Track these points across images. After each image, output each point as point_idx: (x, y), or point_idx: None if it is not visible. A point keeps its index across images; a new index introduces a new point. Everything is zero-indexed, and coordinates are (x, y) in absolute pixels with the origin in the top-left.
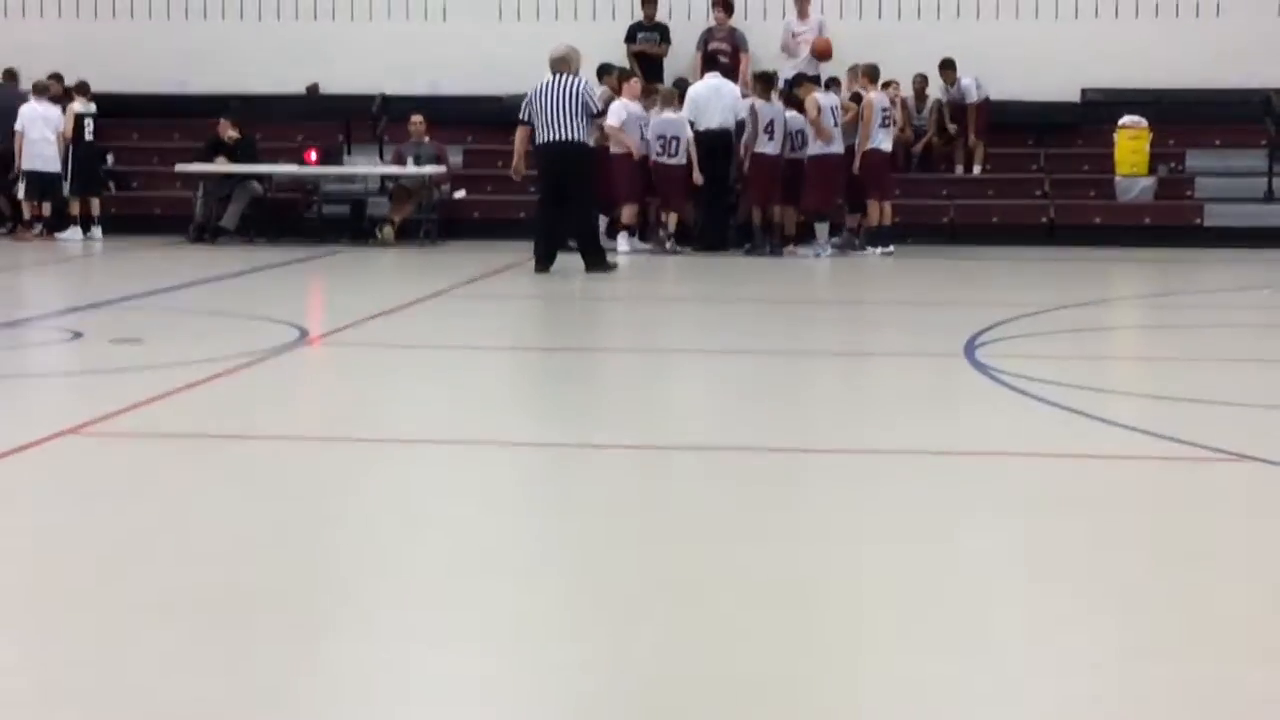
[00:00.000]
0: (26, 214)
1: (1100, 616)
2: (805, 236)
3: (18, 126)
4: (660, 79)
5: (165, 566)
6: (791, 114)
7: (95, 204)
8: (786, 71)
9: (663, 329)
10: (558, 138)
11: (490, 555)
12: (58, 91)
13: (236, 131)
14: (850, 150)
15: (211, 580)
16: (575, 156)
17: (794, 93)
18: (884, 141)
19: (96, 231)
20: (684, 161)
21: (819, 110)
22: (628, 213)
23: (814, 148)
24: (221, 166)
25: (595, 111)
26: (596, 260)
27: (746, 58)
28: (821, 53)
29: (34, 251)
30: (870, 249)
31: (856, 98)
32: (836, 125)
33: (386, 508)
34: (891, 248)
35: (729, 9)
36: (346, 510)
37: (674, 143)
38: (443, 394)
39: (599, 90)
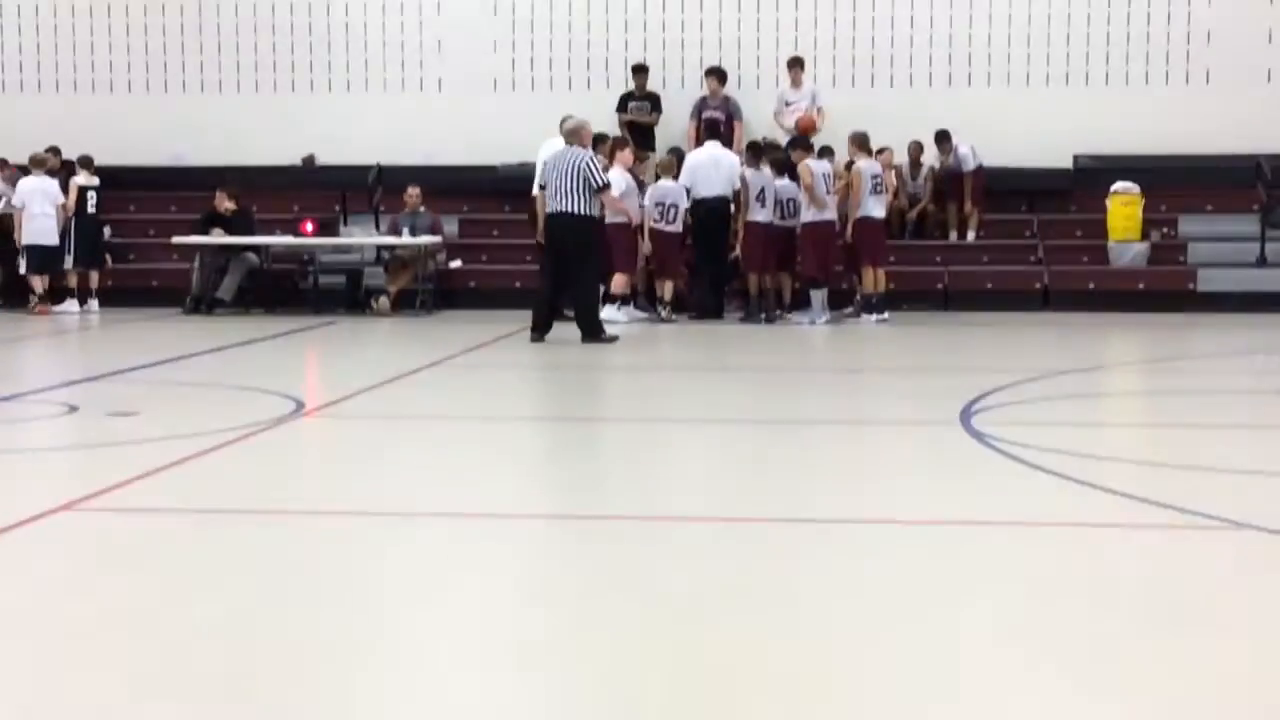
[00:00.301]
0: (39, 289)
1: (1102, 689)
2: (801, 304)
3: (16, 201)
4: (652, 148)
5: (157, 644)
6: (784, 181)
7: (95, 277)
8: (780, 140)
9: (658, 398)
10: (562, 209)
11: (491, 631)
12: (55, 165)
13: (234, 203)
14: (845, 217)
15: (204, 657)
16: (577, 229)
17: (788, 160)
18: (876, 209)
19: (94, 304)
20: (680, 229)
21: (812, 176)
22: (620, 282)
23: (807, 215)
24: (218, 238)
25: (597, 186)
26: (593, 333)
27: (740, 126)
28: (805, 128)
29: (32, 324)
30: (865, 316)
31: (851, 165)
32: (830, 192)
33: (383, 584)
34: (886, 315)
35: (722, 78)
36: (343, 586)
37: (672, 210)
38: (439, 466)
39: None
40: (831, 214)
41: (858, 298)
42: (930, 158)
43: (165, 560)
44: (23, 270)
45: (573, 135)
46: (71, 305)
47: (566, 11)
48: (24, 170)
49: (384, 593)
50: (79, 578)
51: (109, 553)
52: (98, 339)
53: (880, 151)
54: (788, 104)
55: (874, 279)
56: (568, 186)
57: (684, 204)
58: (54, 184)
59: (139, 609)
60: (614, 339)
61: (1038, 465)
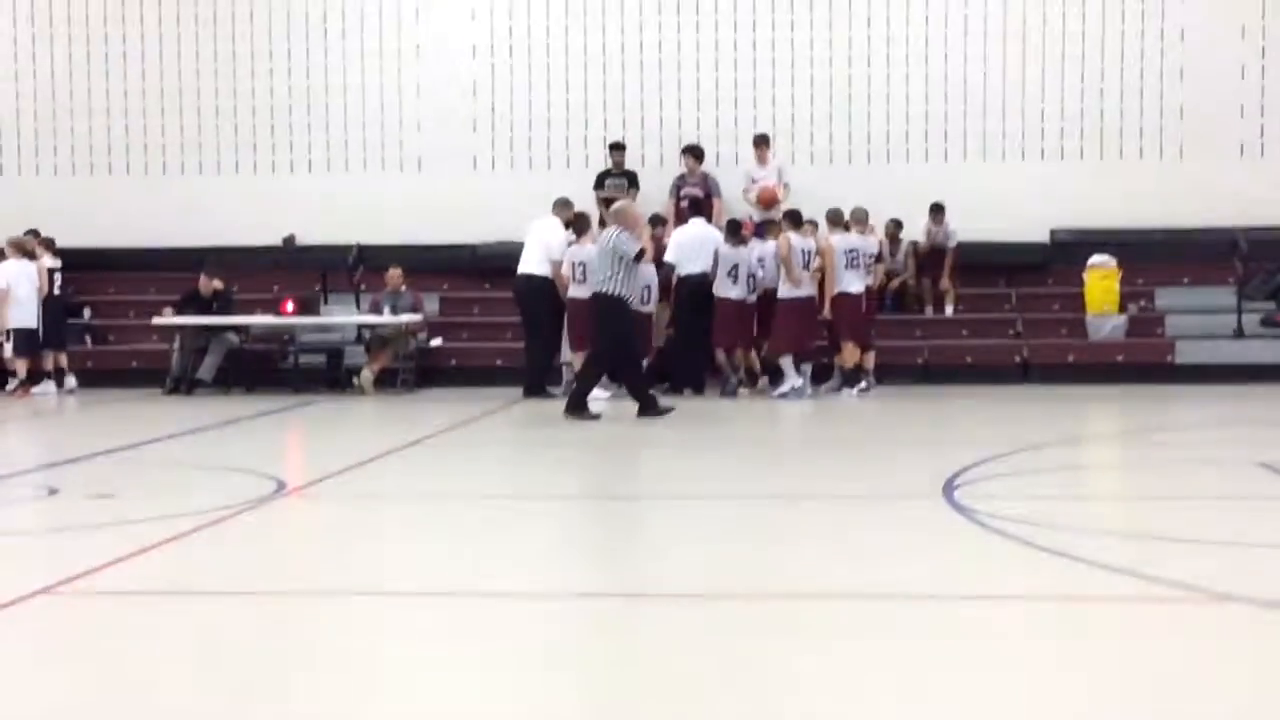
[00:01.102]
0: (22, 372)
1: None
2: (779, 377)
3: (2, 284)
4: None
5: None
6: (726, 249)
7: (64, 357)
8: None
9: (641, 474)
10: (595, 290)
11: (473, 713)
12: (33, 248)
13: (220, 283)
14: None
15: None
16: (605, 309)
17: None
18: (852, 284)
19: (72, 380)
20: (653, 308)
21: (790, 250)
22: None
23: (783, 290)
24: (198, 319)
25: (627, 257)
26: (649, 407)
27: (719, 202)
28: (766, 202)
29: (13, 406)
30: (846, 390)
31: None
32: (807, 268)
33: (364, 665)
34: (864, 384)
35: (699, 156)
36: (327, 670)
37: (646, 291)
38: (422, 546)
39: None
40: (808, 290)
41: (837, 372)
42: (916, 231)
43: (143, 644)
44: (8, 354)
45: (615, 216)
46: (49, 386)
47: (544, 91)
48: None
49: (365, 674)
50: (54, 662)
51: (85, 637)
52: (78, 420)
53: (852, 226)
54: (754, 180)
55: (851, 354)
56: (608, 267)
57: (656, 285)
58: (34, 267)
59: (114, 693)
60: (669, 410)
61: (1021, 539)
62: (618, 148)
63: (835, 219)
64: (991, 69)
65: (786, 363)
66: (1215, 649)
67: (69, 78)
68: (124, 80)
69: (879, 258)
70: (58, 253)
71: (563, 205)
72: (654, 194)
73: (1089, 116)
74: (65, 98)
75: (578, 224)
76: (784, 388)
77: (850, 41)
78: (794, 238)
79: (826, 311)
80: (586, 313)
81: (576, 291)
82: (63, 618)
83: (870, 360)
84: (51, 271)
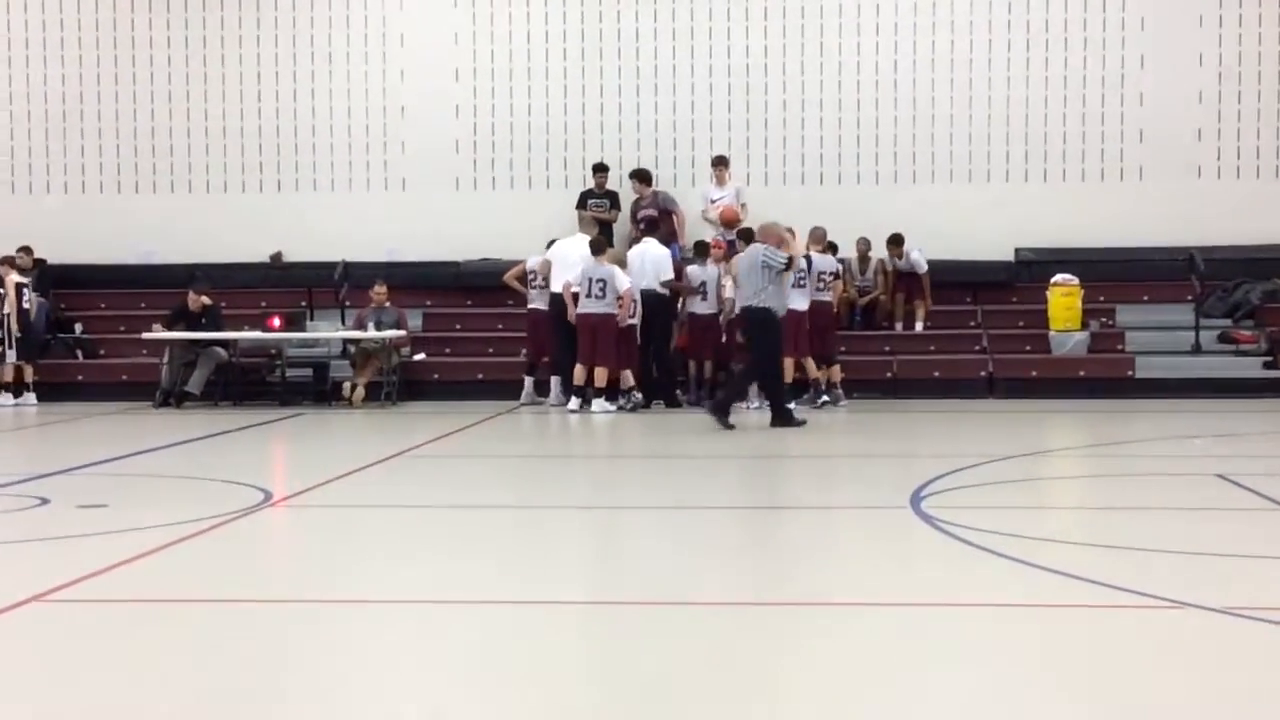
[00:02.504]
0: (11, 377)
1: None
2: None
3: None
4: (610, 244)
5: None
6: (695, 269)
7: (29, 370)
8: (708, 236)
9: (615, 486)
10: (744, 303)
11: (458, 716)
12: (27, 264)
13: (208, 299)
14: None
15: None
16: (755, 319)
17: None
18: (798, 301)
19: (32, 396)
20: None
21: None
22: (606, 376)
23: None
24: (187, 334)
25: (779, 267)
26: (784, 419)
27: (679, 216)
28: (728, 221)
29: (4, 420)
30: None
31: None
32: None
33: (350, 672)
34: (825, 398)
35: (646, 179)
36: (314, 678)
37: (599, 285)
38: (405, 554)
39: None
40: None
41: (811, 388)
42: (880, 252)
43: (132, 652)
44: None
45: (761, 232)
46: (6, 399)
47: (526, 113)
48: None
49: (351, 682)
50: (44, 670)
51: (76, 644)
52: (67, 432)
53: (822, 245)
54: (712, 201)
55: (800, 369)
56: (755, 282)
57: (615, 284)
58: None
59: (103, 701)
60: (802, 423)
61: (986, 547)
62: (600, 169)
63: (780, 236)
64: (958, 92)
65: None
66: (1173, 654)
67: (61, 99)
68: (115, 101)
69: (838, 275)
70: (40, 269)
71: (589, 224)
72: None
73: (1052, 140)
74: (58, 119)
75: (596, 245)
76: (743, 403)
77: (821, 65)
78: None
79: None
80: (596, 328)
81: (593, 308)
82: (53, 626)
83: (837, 374)
84: (20, 287)
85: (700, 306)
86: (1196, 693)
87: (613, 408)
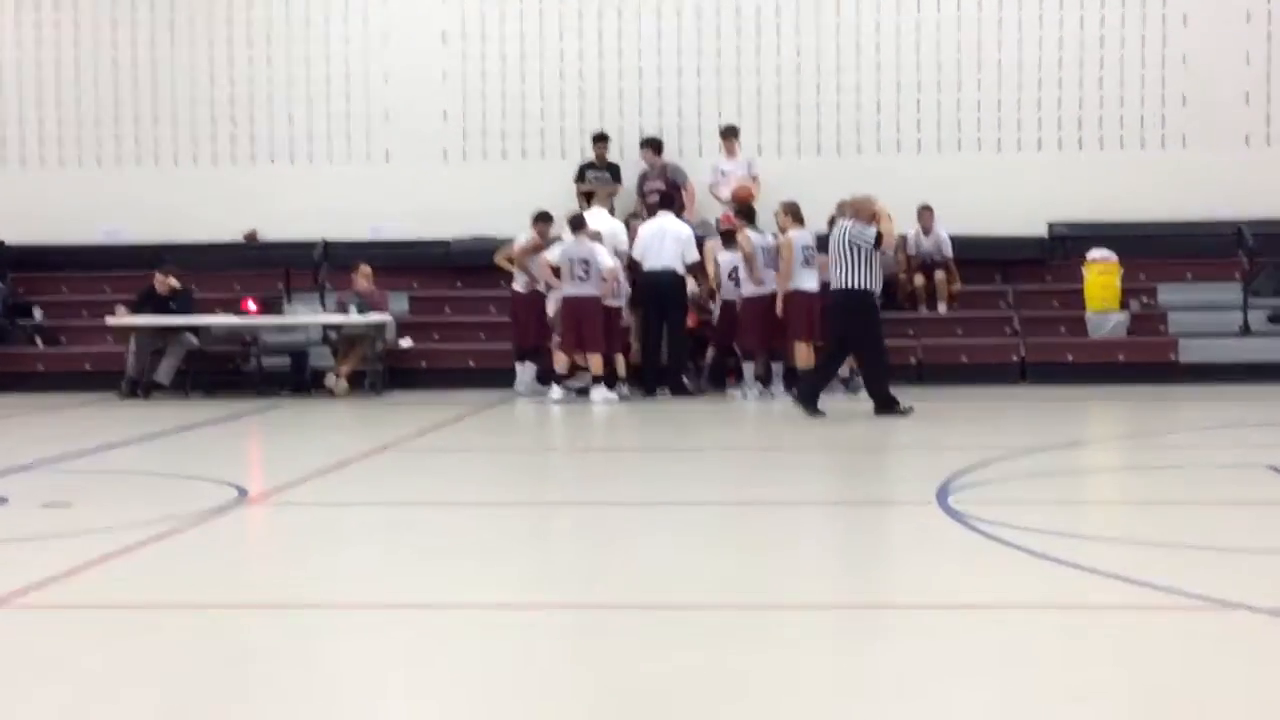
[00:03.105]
0: None
1: None
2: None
3: None
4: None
5: None
6: (726, 255)
7: None
8: (717, 213)
9: (616, 482)
10: (838, 285)
11: None
12: None
13: (177, 282)
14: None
15: None
16: (848, 304)
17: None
18: (807, 281)
19: None
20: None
21: (752, 248)
22: (599, 362)
23: (747, 288)
24: (155, 319)
25: (869, 245)
26: (887, 405)
27: (689, 191)
28: (742, 199)
29: None
30: (790, 393)
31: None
32: (768, 266)
33: (328, 680)
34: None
35: (658, 149)
36: (291, 686)
37: (582, 266)
38: (387, 556)
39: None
40: (771, 287)
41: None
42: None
43: (98, 659)
44: None
45: (849, 207)
46: None
47: (519, 80)
48: None
49: (328, 690)
50: (6, 675)
51: (39, 651)
52: (29, 426)
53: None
54: (723, 173)
55: (806, 354)
56: (845, 262)
57: (598, 262)
58: None
59: (66, 708)
60: (909, 410)
61: (1018, 545)
62: (600, 139)
63: (795, 213)
64: (986, 56)
65: (748, 367)
66: (1218, 659)
67: (16, 65)
68: (75, 67)
69: None
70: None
71: (604, 198)
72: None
73: (1088, 105)
74: (14, 87)
75: (575, 221)
76: (739, 389)
77: (838, 28)
78: (754, 236)
79: (779, 309)
80: (581, 312)
81: (577, 290)
82: (14, 631)
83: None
84: None
85: (734, 295)
86: (1241, 699)
87: (615, 396)
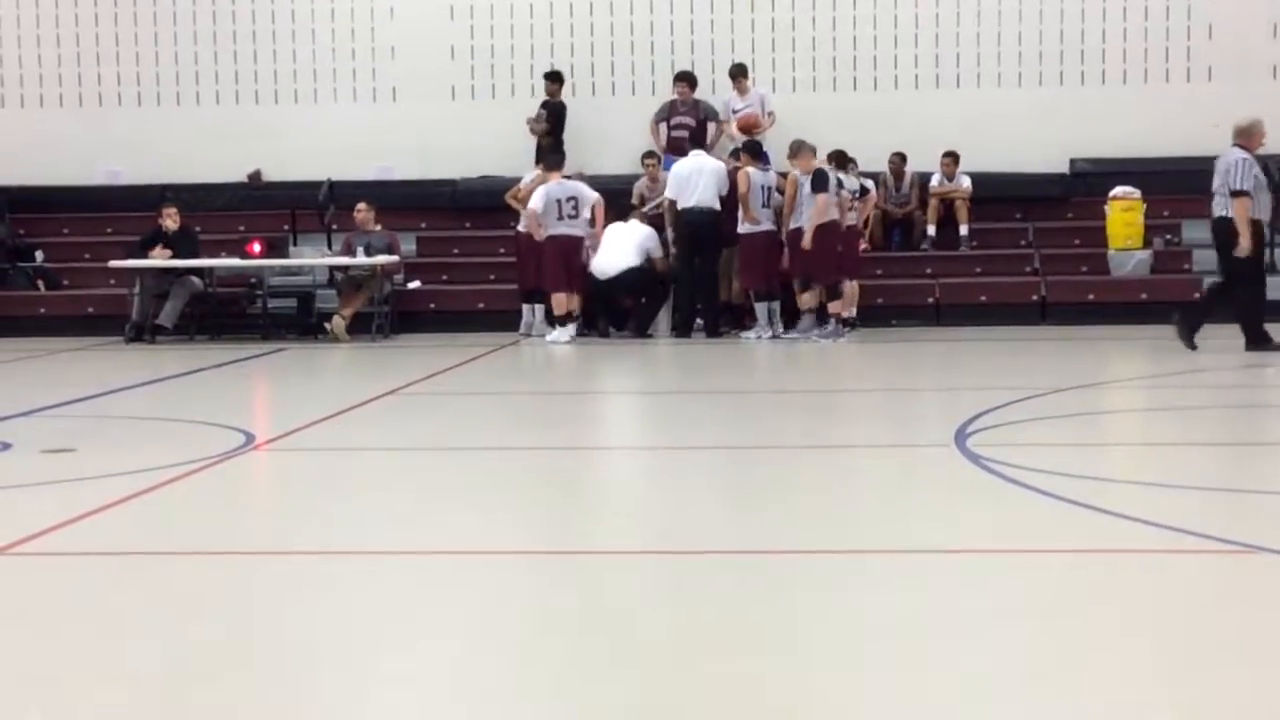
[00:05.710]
0: None
1: None
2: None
3: None
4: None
5: (94, 693)
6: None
7: None
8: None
9: (629, 424)
10: None
11: (455, 675)
12: None
13: (175, 222)
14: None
15: (140, 708)
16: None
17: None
18: (765, 222)
19: None
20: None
21: (748, 186)
22: (560, 301)
23: (742, 227)
24: (159, 261)
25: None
26: (1259, 340)
27: (718, 127)
28: (747, 127)
29: None
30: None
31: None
32: (766, 205)
33: (339, 628)
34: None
35: (692, 83)
36: (303, 634)
37: (571, 203)
38: (397, 501)
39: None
40: (766, 226)
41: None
42: (918, 166)
43: (102, 607)
44: None
45: (1240, 135)
46: None
47: (528, 14)
48: None
49: (340, 637)
50: (10, 624)
51: (42, 599)
52: (32, 370)
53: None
54: (735, 111)
55: (811, 294)
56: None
57: (584, 199)
58: None
59: (72, 657)
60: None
61: (1038, 489)
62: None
63: (796, 152)
64: None
65: (761, 308)
66: (1243, 601)
67: (15, 4)
68: (74, 5)
69: (863, 193)
70: None
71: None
72: (640, 123)
73: (1110, 38)
74: (10, 24)
75: (554, 161)
76: (751, 332)
77: None
78: (754, 172)
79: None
80: (570, 250)
81: (566, 229)
82: (18, 579)
83: (854, 298)
84: None
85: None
86: (1268, 641)
87: (566, 337)
